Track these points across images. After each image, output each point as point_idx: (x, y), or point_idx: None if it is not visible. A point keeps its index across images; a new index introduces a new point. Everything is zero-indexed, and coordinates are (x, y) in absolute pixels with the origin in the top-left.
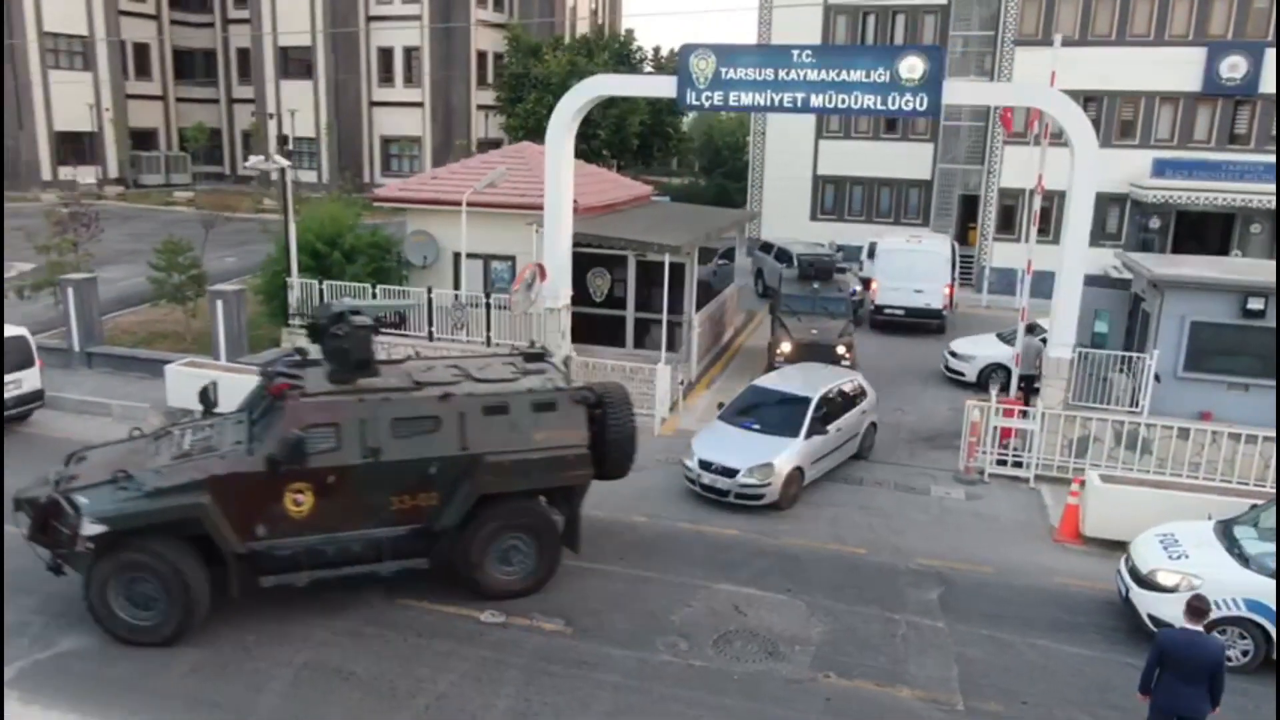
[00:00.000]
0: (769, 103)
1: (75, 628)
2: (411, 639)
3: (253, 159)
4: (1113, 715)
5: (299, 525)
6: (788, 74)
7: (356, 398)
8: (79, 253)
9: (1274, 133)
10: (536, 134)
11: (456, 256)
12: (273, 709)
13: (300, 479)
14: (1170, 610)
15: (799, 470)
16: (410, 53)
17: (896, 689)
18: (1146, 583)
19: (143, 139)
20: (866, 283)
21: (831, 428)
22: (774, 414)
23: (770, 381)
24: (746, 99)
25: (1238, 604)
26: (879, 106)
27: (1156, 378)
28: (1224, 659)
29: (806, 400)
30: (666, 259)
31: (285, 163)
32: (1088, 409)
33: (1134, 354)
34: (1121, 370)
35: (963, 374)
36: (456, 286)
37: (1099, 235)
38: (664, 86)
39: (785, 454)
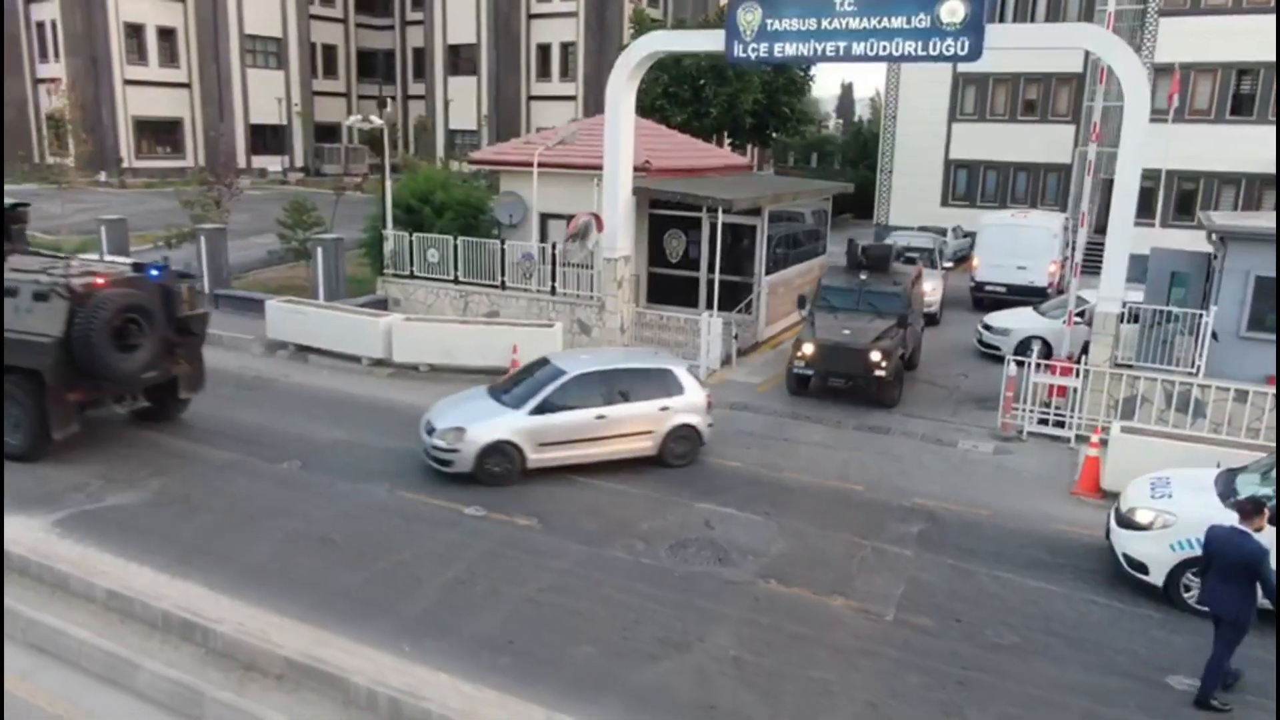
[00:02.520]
0: (812, 53)
1: (124, 490)
2: (395, 521)
3: (352, 118)
4: (1046, 640)
5: None
6: (830, 23)
7: None
8: (219, 210)
9: None
10: (650, 111)
11: (544, 216)
12: (253, 557)
13: None
14: (1143, 548)
15: (512, 446)
16: (566, 48)
17: (832, 599)
18: (1124, 520)
19: (326, 132)
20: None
21: (587, 414)
22: (528, 386)
23: (558, 354)
24: (790, 50)
25: None
26: (921, 53)
27: (1214, 336)
28: (1262, 557)
29: (559, 374)
30: (720, 214)
31: (380, 122)
32: (1140, 368)
33: (1191, 311)
34: (1183, 331)
35: (998, 348)
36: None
37: None
38: (713, 41)
39: (489, 423)
